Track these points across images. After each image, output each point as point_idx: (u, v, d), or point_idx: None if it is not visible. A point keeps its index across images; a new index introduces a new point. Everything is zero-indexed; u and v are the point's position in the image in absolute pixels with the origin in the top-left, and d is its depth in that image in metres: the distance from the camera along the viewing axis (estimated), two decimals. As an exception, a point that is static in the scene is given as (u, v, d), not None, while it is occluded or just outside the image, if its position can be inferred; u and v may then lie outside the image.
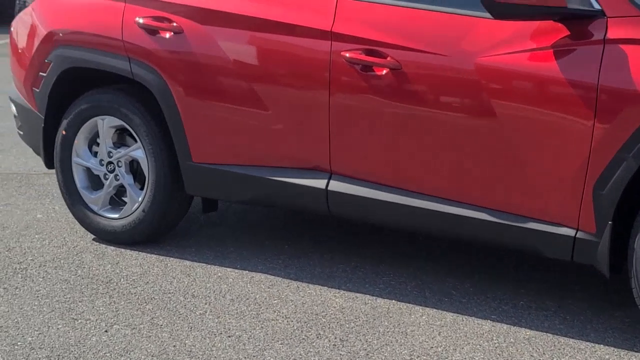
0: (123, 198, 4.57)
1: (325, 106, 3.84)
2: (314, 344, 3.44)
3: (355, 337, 3.51)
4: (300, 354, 3.34)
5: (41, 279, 4.11)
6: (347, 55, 3.74)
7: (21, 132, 4.97)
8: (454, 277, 4.16)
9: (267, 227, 4.99)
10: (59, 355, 3.31)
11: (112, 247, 4.52)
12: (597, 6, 3.35)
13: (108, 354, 3.33)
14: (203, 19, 4.13)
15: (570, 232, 3.43)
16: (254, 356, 3.31)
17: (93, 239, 4.63)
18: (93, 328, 3.58)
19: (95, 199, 4.58)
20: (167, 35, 4.19)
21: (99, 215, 4.57)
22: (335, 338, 3.49)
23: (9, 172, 6.00)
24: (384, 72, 3.68)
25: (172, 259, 4.39)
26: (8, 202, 5.32)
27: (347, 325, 3.63)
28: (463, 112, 3.59)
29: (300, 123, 3.95)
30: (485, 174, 3.58)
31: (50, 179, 5.76)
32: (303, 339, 3.48)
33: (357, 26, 3.78)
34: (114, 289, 4.01)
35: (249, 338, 3.48)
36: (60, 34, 4.51)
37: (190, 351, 3.36)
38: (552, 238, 3.47)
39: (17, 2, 4.92)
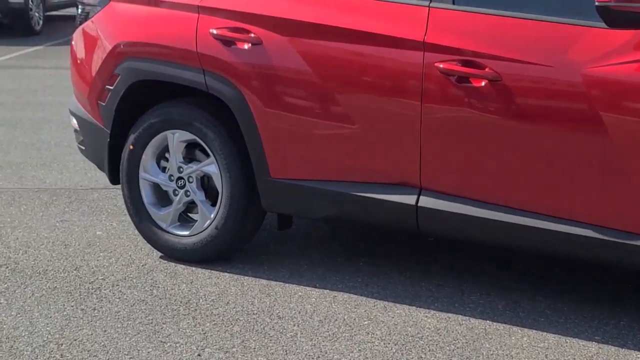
0: (191, 215, 4.46)
1: (417, 119, 3.73)
2: (420, 367, 3.29)
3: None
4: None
5: (117, 300, 3.98)
6: (441, 66, 3.63)
7: (82, 147, 4.84)
8: (544, 295, 4.04)
9: (337, 243, 4.87)
10: (157, 381, 3.16)
11: (183, 266, 4.39)
12: None
13: (208, 380, 3.17)
14: (284, 30, 4.03)
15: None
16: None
17: (161, 257, 4.50)
18: (185, 352, 3.46)
19: (163, 216, 4.44)
20: (245, 46, 4.09)
21: (168, 232, 4.44)
22: (440, 361, 3.34)
23: (57, 187, 5.86)
24: (483, 83, 3.57)
25: (247, 277, 4.27)
26: (63, 219, 5.20)
27: (448, 348, 3.52)
28: (570, 126, 3.48)
29: (389, 137, 3.85)
30: (595, 190, 3.47)
31: (100, 194, 5.67)
32: (406, 362, 3.34)
33: (452, 36, 3.68)
34: (195, 309, 3.89)
35: (349, 362, 3.33)
36: (129, 46, 4.41)
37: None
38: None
39: (78, 15, 4.81)
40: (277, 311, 3.87)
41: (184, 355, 3.41)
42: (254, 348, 3.49)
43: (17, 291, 4.07)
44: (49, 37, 14.70)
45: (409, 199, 3.83)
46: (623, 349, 3.48)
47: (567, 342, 3.55)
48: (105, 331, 3.62)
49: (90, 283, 4.18)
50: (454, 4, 3.73)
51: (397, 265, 4.41)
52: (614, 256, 3.51)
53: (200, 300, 3.97)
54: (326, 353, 3.45)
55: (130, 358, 3.37)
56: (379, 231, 4.81)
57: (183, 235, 4.41)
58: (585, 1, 3.35)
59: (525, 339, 3.58)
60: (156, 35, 4.37)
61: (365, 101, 3.89)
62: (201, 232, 4.35)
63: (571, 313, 3.83)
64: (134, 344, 3.50)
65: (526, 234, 3.64)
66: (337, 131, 3.96)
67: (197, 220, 4.39)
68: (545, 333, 3.63)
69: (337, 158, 4.01)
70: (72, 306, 3.90)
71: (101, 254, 4.59)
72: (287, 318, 3.79)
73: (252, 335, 3.62)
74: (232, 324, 3.73)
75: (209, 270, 4.33)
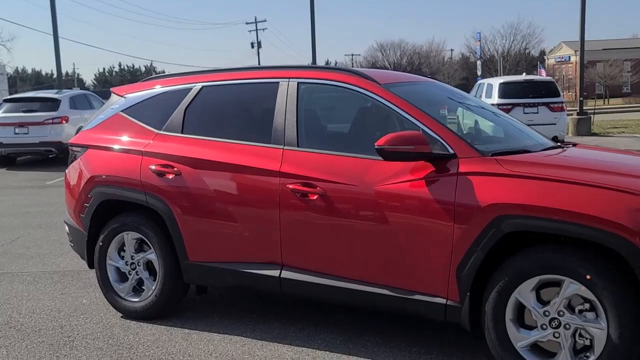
0: (142, 287, 4.41)
1: (277, 221, 3.82)
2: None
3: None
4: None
5: (83, 348, 3.96)
6: (290, 187, 3.73)
7: (72, 244, 4.86)
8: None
9: (243, 302, 4.80)
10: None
11: (135, 322, 4.36)
12: (451, 151, 3.40)
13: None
14: (193, 165, 4.13)
15: (442, 300, 3.37)
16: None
17: (121, 317, 4.47)
18: None
19: (122, 289, 4.46)
20: (170, 176, 4.16)
21: (125, 299, 4.44)
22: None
23: (66, 270, 5.81)
24: (315, 197, 3.67)
25: (175, 328, 4.25)
26: (63, 292, 5.15)
27: None
28: (368, 223, 3.57)
29: (262, 232, 3.91)
30: (387, 264, 3.54)
31: (92, 274, 5.52)
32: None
33: (297, 167, 3.78)
34: (135, 352, 3.87)
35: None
36: (98, 178, 4.46)
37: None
38: (432, 305, 3.40)
39: (70, 156, 4.83)
40: (189, 351, 3.86)
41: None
42: None
43: (15, 344, 4.04)
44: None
45: (275, 273, 3.88)
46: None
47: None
48: (68, 370, 3.56)
49: (67, 337, 4.14)
50: (298, 146, 3.83)
51: (278, 316, 4.40)
52: (404, 307, 3.52)
53: (140, 346, 3.96)
54: None
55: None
56: (267, 296, 4.75)
57: (135, 301, 4.41)
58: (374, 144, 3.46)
59: (349, 363, 3.57)
60: (115, 170, 4.43)
61: (246, 209, 3.96)
62: (147, 298, 4.36)
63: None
64: (85, 379, 3.46)
65: (351, 294, 3.66)
66: (229, 230, 4.02)
67: (144, 290, 4.36)
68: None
69: (230, 247, 4.04)
70: (50, 354, 3.88)
71: (82, 316, 4.55)
72: (194, 356, 3.78)
73: None
74: None
75: (152, 324, 4.32)
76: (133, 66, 78.95)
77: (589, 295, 3.02)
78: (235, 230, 3.98)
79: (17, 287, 5.28)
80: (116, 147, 4.49)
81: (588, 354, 3.07)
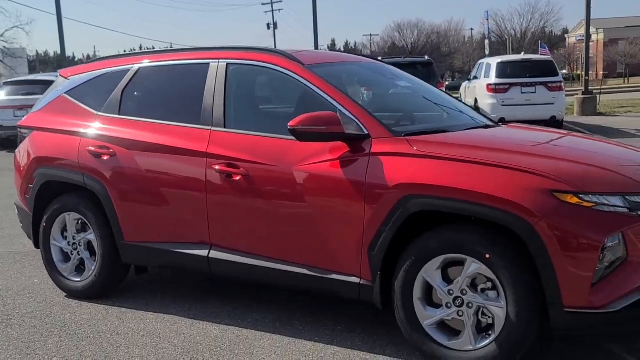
0: (84, 267, 4.51)
1: (204, 201, 3.87)
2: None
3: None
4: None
5: (18, 326, 4.06)
6: (216, 167, 3.78)
7: (21, 225, 4.95)
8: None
9: (189, 283, 4.87)
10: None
11: (76, 302, 4.46)
12: (365, 131, 3.42)
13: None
14: (127, 146, 4.19)
15: (356, 279, 3.42)
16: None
17: (65, 296, 4.58)
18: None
19: (65, 268, 4.57)
20: (106, 158, 4.23)
21: (68, 279, 4.55)
22: None
23: (30, 250, 5.88)
24: (239, 177, 3.72)
25: (114, 307, 4.35)
26: (19, 272, 5.28)
27: (216, 351, 3.58)
28: (287, 203, 3.62)
29: (190, 213, 3.97)
30: (305, 244, 3.58)
31: None
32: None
33: (222, 149, 3.82)
34: (65, 331, 3.97)
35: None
36: (41, 159, 4.57)
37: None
38: (346, 284, 3.45)
39: (19, 138, 4.92)
40: (119, 330, 3.94)
41: (36, 362, 3.46)
42: (87, 356, 3.57)
43: (-44, 322, 4.14)
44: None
45: (204, 252, 3.94)
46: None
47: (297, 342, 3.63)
48: (-5, 347, 3.70)
49: (6, 316, 4.25)
50: (225, 127, 3.88)
51: (219, 297, 4.46)
52: (321, 286, 3.56)
53: (73, 324, 4.05)
54: (133, 357, 3.53)
55: (0, 364, 3.44)
56: (213, 278, 4.71)
57: (77, 281, 4.52)
58: None
59: (269, 341, 3.66)
60: (56, 152, 4.52)
61: (176, 190, 4.02)
62: (87, 278, 4.46)
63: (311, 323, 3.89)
64: (7, 358, 3.59)
65: (270, 273, 3.72)
66: (161, 210, 4.09)
67: (85, 270, 4.47)
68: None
69: (163, 227, 4.12)
70: (-14, 331, 3.98)
71: (28, 295, 4.66)
72: (122, 334, 3.87)
73: (91, 347, 3.69)
74: (83, 339, 3.81)
75: (92, 304, 4.41)
76: (153, 48, 79.25)
77: (490, 274, 3.05)
78: (167, 210, 4.05)
79: (-23, 266, 5.44)
80: (58, 128, 4.56)
81: (490, 332, 3.11)
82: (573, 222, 2.88)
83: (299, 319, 3.99)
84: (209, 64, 4.08)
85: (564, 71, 56.54)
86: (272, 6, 62.19)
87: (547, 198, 2.91)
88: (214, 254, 3.90)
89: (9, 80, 17.58)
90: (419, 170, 3.22)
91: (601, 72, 61.22)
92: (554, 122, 14.27)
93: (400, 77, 4.55)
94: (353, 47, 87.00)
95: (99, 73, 4.64)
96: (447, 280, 3.21)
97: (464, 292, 3.15)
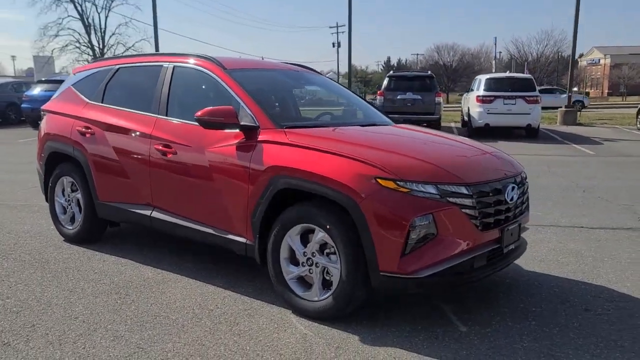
0: (77, 217, 4.69)
1: (148, 172, 3.98)
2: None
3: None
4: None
5: (12, 260, 4.24)
6: (156, 147, 3.88)
7: (40, 184, 5.16)
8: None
9: (151, 236, 4.86)
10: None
11: (68, 245, 4.64)
12: (256, 123, 3.44)
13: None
14: (101, 127, 4.34)
15: (244, 240, 3.46)
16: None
17: (62, 240, 4.76)
18: (25, 292, 3.56)
19: (64, 219, 4.78)
20: (87, 135, 4.40)
21: (64, 227, 4.76)
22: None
23: (28, 204, 5.97)
24: (170, 155, 3.80)
25: (91, 250, 4.49)
26: (42, 219, 5.47)
27: (140, 288, 3.63)
28: (200, 176, 3.66)
29: (140, 180, 4.08)
30: (212, 210, 3.62)
31: None
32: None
33: (162, 132, 3.91)
34: (43, 264, 4.12)
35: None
36: (48, 135, 4.78)
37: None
38: (237, 243, 3.50)
39: (41, 118, 5.13)
40: (82, 267, 4.06)
41: (22, 295, 3.49)
42: (44, 284, 3.70)
43: (-31, 252, 4.36)
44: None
45: (148, 212, 4.05)
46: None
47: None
48: (-15, 272, 3.88)
49: (11, 250, 4.47)
50: (167, 115, 3.97)
51: (193, 253, 4.51)
52: (221, 243, 3.58)
53: (52, 260, 4.21)
54: (75, 288, 3.65)
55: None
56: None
57: (70, 228, 4.72)
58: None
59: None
60: (58, 129, 4.72)
61: (130, 162, 4.12)
62: (76, 227, 4.65)
63: (226, 273, 3.91)
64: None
65: (191, 231, 3.76)
66: (121, 177, 4.22)
67: (75, 221, 4.67)
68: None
69: (122, 190, 4.24)
70: (-8, 260, 4.17)
71: (38, 237, 4.87)
72: (82, 271, 3.97)
73: (51, 277, 3.82)
74: (51, 272, 3.94)
75: (79, 247, 4.57)
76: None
77: (330, 241, 3.04)
78: (125, 177, 4.18)
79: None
80: (62, 112, 4.77)
81: (331, 288, 3.11)
82: (389, 203, 2.82)
83: (219, 272, 3.99)
84: (162, 65, 4.17)
85: (575, 89, 54.02)
86: (337, 29, 62.29)
87: (371, 183, 2.87)
88: (155, 214, 4.00)
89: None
90: (286, 156, 3.22)
91: (606, 91, 58.12)
92: (530, 129, 13.80)
93: (314, 83, 4.51)
94: (404, 64, 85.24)
95: (94, 70, 4.80)
96: (305, 244, 3.21)
97: (314, 254, 3.15)
